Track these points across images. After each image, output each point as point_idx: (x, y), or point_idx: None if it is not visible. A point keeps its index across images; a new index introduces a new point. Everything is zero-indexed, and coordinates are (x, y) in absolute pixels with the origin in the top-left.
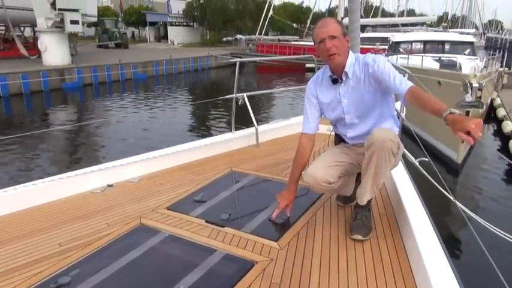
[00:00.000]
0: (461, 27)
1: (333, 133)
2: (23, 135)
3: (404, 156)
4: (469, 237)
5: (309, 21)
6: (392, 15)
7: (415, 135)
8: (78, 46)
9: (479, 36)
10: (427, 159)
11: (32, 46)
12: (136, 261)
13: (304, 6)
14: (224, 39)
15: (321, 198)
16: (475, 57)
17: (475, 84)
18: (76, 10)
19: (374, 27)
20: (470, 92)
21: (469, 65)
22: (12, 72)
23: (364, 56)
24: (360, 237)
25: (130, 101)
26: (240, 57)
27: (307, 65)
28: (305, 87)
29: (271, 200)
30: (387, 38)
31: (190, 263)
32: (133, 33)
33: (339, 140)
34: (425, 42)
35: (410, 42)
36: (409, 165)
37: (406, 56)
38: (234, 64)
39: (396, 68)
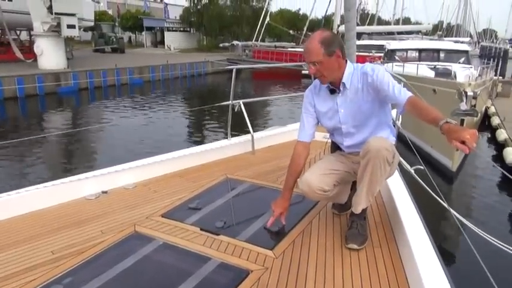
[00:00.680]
0: (456, 36)
1: (329, 141)
2: (16, 141)
3: (399, 164)
4: (464, 245)
5: (305, 28)
6: (388, 23)
7: (410, 143)
8: (74, 50)
9: (473, 44)
10: (422, 167)
11: (28, 50)
12: (130, 269)
13: (301, 14)
14: (221, 45)
15: (316, 207)
16: (470, 65)
17: (470, 93)
18: (73, 14)
19: (370, 35)
20: (465, 101)
21: (463, 73)
22: (7, 76)
23: (363, 65)
24: (355, 246)
25: (126, 106)
26: (237, 63)
27: (303, 72)
28: (301, 94)
29: (267, 207)
30: (383, 45)
31: (185, 272)
32: (130, 38)
33: (335, 147)
34: (420, 51)
35: (406, 50)
36: (404, 173)
37: (402, 63)
38: (231, 70)
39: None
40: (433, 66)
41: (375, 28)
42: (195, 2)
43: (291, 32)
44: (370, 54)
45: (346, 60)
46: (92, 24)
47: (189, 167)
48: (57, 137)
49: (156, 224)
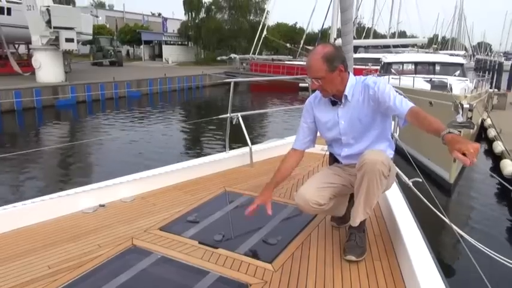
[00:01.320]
0: (451, 49)
1: (327, 153)
2: (13, 154)
3: (397, 176)
4: (463, 258)
5: (302, 42)
6: (383, 36)
7: (408, 155)
8: (72, 63)
9: (468, 57)
10: (420, 180)
11: (26, 63)
12: (127, 283)
13: (298, 27)
14: (219, 58)
15: (315, 219)
16: (465, 78)
17: (466, 105)
18: (71, 28)
19: (366, 48)
20: (461, 113)
21: (459, 86)
22: (5, 89)
23: (365, 78)
24: (353, 258)
25: (123, 119)
26: (234, 76)
27: (301, 85)
28: (299, 107)
29: (266, 220)
30: (379, 58)
31: (183, 285)
32: (128, 51)
33: (333, 160)
34: (416, 63)
35: (402, 63)
36: (402, 185)
37: (398, 76)
38: (228, 83)
39: None
40: (429, 79)
41: (371, 41)
42: (193, 16)
43: (288, 45)
44: (367, 67)
45: (349, 72)
46: (91, 37)
47: (187, 180)
48: (54, 150)
49: (154, 237)
